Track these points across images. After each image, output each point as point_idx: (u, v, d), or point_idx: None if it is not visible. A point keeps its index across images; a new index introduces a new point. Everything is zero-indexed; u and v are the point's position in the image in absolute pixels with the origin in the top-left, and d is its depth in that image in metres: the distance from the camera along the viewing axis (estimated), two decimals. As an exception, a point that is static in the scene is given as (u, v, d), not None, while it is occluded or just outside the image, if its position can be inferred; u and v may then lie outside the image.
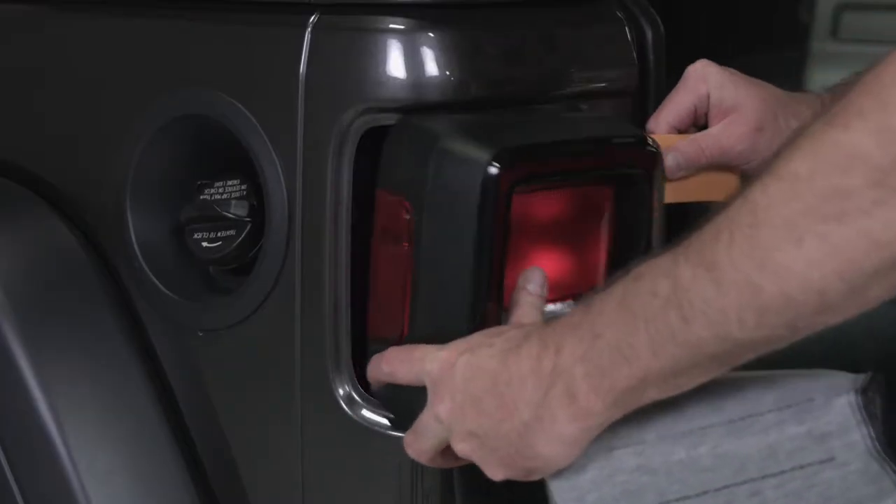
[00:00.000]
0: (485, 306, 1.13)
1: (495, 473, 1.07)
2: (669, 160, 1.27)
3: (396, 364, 1.14)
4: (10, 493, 1.35)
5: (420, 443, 1.11)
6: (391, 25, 1.21)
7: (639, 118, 1.36)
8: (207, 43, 1.34)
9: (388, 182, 1.17)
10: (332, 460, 1.28)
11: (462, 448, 1.08)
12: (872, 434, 1.02)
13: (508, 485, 1.09)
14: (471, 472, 1.11)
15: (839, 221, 0.86)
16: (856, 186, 0.85)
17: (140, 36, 1.40)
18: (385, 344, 1.17)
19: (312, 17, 1.23)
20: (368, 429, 1.23)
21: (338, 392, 1.24)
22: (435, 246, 1.14)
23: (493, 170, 1.11)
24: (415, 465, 1.21)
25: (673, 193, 1.27)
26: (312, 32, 1.23)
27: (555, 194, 1.20)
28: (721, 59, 1.32)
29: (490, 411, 1.04)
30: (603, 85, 1.33)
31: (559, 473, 1.06)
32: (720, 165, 1.30)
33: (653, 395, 0.98)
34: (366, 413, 1.24)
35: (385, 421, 1.22)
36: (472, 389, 1.06)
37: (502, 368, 1.04)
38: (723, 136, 1.29)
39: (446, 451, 1.11)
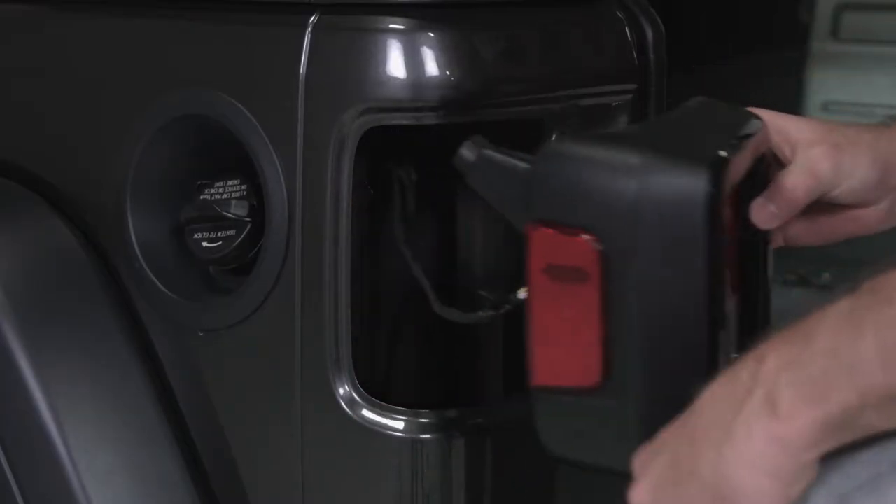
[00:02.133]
0: (719, 334, 0.99)
1: (645, 487, 0.89)
2: (763, 212, 1.11)
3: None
4: (10, 493, 1.35)
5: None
6: (391, 25, 1.21)
7: (639, 118, 1.36)
8: (207, 43, 1.34)
9: (551, 215, 1.02)
10: (332, 460, 1.28)
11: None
12: None
13: (509, 485, 1.09)
14: (471, 472, 1.11)
15: None
16: None
17: (140, 36, 1.40)
18: (570, 394, 1.02)
19: (312, 17, 1.23)
20: (368, 429, 1.23)
21: (338, 392, 1.24)
22: (646, 278, 0.99)
23: (710, 184, 0.97)
24: (415, 465, 1.21)
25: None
26: (312, 32, 1.23)
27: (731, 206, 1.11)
28: (721, 59, 1.32)
29: (677, 460, 0.86)
30: (603, 85, 1.33)
31: None
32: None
33: (873, 421, 0.81)
34: (366, 413, 1.24)
35: (385, 421, 1.22)
36: (661, 455, 0.89)
37: (719, 390, 0.86)
38: (807, 162, 1.14)
39: None
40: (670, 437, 0.88)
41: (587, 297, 1.00)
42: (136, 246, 1.36)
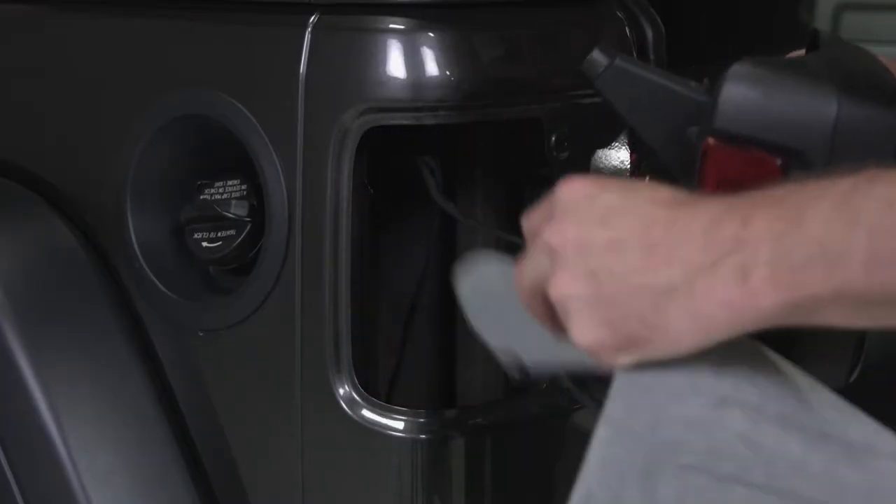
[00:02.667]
0: None
1: (586, 334, 0.85)
2: None
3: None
4: (10, 493, 1.35)
5: (519, 279, 0.90)
6: (391, 25, 1.21)
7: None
8: (207, 43, 1.34)
9: (734, 132, 1.02)
10: (332, 460, 1.28)
11: (564, 290, 0.85)
12: None
13: (509, 485, 1.09)
14: (471, 472, 1.11)
15: None
16: None
17: (140, 36, 1.40)
18: None
19: (312, 17, 1.23)
20: (368, 429, 1.23)
21: (338, 392, 1.24)
22: None
23: None
24: (415, 465, 1.21)
25: None
26: (312, 32, 1.23)
27: None
28: (721, 59, 1.31)
29: (629, 255, 0.83)
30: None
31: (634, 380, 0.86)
32: None
33: (835, 317, 0.79)
34: (366, 413, 1.24)
35: (385, 421, 1.22)
36: (614, 224, 0.85)
37: (665, 213, 0.84)
38: None
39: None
40: (624, 221, 0.85)
41: None
42: (136, 246, 1.36)
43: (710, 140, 1.05)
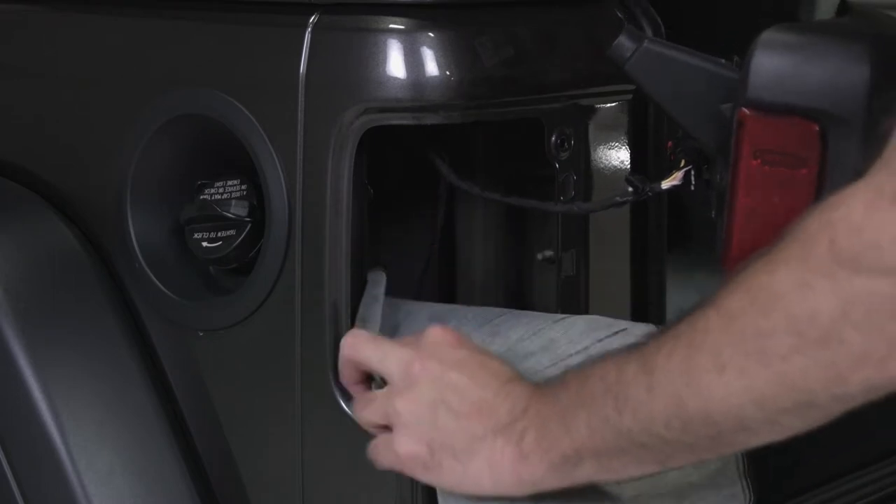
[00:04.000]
0: None
1: (404, 445, 1.12)
2: None
3: (363, 350, 1.18)
4: (10, 493, 1.35)
5: (369, 415, 1.16)
6: (391, 25, 1.21)
7: (639, 118, 1.36)
8: (207, 43, 1.33)
9: (767, 100, 1.05)
10: (332, 460, 1.28)
11: (399, 406, 1.12)
12: None
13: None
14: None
15: (759, 360, 0.91)
16: (775, 330, 0.90)
17: (140, 35, 1.40)
18: None
19: (312, 17, 1.23)
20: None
21: (338, 392, 1.24)
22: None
23: None
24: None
25: None
26: (312, 32, 1.23)
27: None
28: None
29: (464, 404, 1.09)
30: (603, 85, 1.33)
31: None
32: None
33: (589, 471, 1.04)
34: (366, 413, 1.24)
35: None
36: (442, 394, 1.10)
37: (474, 384, 1.09)
38: None
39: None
40: (447, 391, 1.09)
41: (802, 182, 1.04)
42: (136, 246, 1.36)
43: (745, 110, 1.05)
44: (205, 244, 1.31)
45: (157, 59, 1.37)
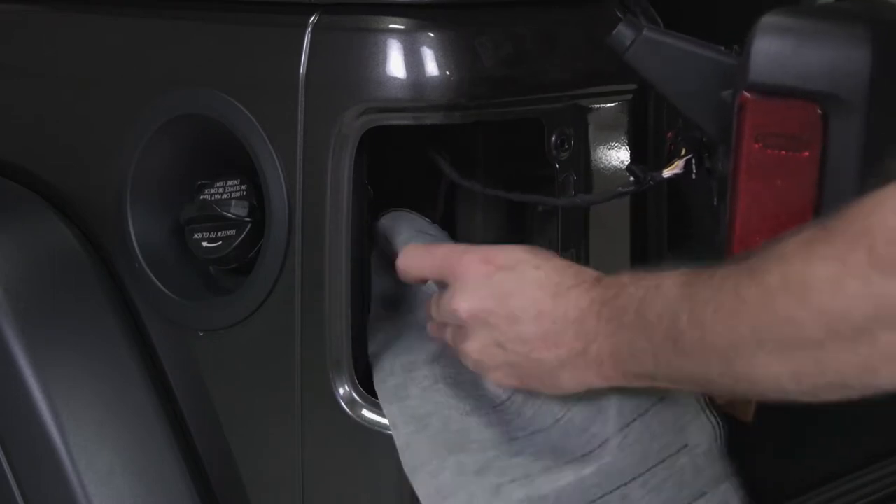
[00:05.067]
0: None
1: (500, 378, 1.17)
2: None
3: (417, 260, 1.20)
4: (10, 493, 1.35)
5: (432, 310, 1.20)
6: (391, 25, 1.21)
7: (639, 118, 1.36)
8: (207, 43, 1.34)
9: (769, 84, 1.06)
10: (332, 460, 1.28)
11: (477, 349, 1.15)
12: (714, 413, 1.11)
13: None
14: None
15: (794, 344, 0.94)
16: (809, 321, 0.92)
17: (140, 35, 1.40)
18: None
19: (312, 17, 1.23)
20: (368, 429, 1.23)
21: (338, 392, 1.24)
22: (869, 146, 1.04)
23: None
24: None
25: None
26: (312, 32, 1.23)
27: None
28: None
29: (529, 337, 1.12)
30: (603, 85, 1.33)
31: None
32: None
33: (665, 383, 1.08)
34: (366, 413, 1.24)
35: (385, 421, 1.22)
36: (511, 307, 1.13)
37: (551, 304, 1.12)
38: None
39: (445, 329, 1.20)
40: (518, 303, 1.13)
41: (804, 165, 1.05)
42: (136, 246, 1.36)
43: (746, 94, 1.06)
44: (205, 244, 1.31)
45: (157, 59, 1.37)
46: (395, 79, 1.20)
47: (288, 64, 1.23)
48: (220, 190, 1.31)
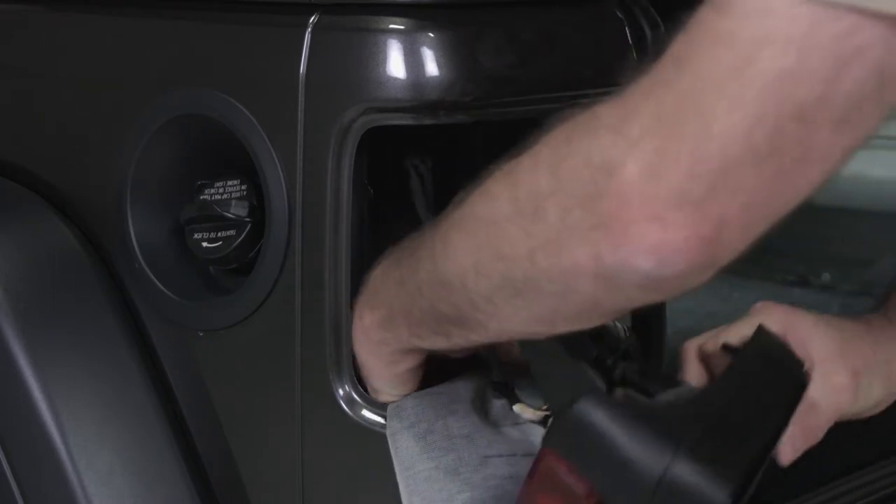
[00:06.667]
0: None
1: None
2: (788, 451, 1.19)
3: None
4: (10, 493, 1.35)
5: None
6: (391, 25, 1.21)
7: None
8: (207, 43, 1.34)
9: (567, 453, 1.06)
10: (332, 460, 1.28)
11: None
12: None
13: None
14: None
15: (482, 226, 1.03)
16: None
17: (140, 35, 1.40)
18: None
19: (312, 17, 1.23)
20: (368, 429, 1.23)
21: (338, 392, 1.24)
22: None
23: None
24: (415, 465, 1.21)
25: None
26: (312, 32, 1.23)
27: None
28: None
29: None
30: (603, 85, 1.33)
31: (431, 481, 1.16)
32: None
33: (405, 334, 1.14)
34: (366, 413, 1.24)
35: (385, 421, 1.22)
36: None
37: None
38: (830, 395, 1.21)
39: None
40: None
41: None
42: (136, 246, 1.36)
43: (548, 449, 1.06)
44: (205, 244, 1.31)
45: (157, 59, 1.37)
46: (396, 79, 1.20)
47: (288, 64, 1.23)
48: (220, 190, 1.31)
